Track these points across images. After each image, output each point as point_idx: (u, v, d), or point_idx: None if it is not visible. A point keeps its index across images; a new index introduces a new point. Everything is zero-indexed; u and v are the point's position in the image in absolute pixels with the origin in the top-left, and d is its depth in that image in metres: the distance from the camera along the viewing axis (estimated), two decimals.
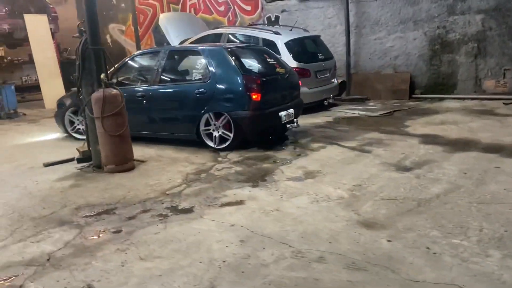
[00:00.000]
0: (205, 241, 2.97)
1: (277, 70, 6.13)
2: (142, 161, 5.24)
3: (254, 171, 4.61)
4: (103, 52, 5.02)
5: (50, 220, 3.57)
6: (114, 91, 4.82)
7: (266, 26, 9.71)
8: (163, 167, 4.99)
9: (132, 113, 5.51)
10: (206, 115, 5.61)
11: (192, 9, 12.79)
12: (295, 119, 5.95)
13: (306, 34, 8.81)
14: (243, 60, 5.84)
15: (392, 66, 9.25)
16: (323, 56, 8.58)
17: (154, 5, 13.91)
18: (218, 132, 5.61)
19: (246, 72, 5.62)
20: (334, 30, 10.02)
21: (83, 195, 4.15)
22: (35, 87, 12.74)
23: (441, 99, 8.41)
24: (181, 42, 10.09)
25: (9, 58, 14.46)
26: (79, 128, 6.68)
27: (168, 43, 10.25)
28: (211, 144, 5.65)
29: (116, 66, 6.60)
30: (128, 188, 4.27)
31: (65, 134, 6.91)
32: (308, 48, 8.61)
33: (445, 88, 8.67)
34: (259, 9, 11.55)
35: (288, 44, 8.01)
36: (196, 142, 5.75)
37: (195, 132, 5.71)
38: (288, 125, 5.96)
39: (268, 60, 6.32)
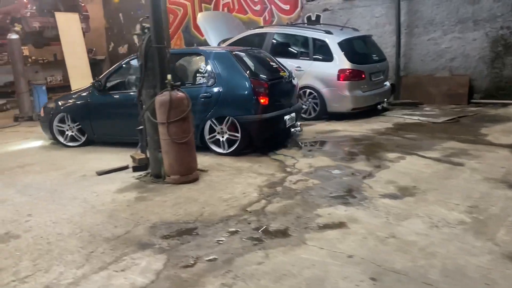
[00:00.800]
0: (327, 277, 2.49)
1: (281, 73, 6.02)
2: (204, 171, 4.80)
3: (335, 185, 4.12)
4: (168, 51, 4.59)
5: (127, 241, 3.13)
6: (180, 94, 4.38)
7: (315, 25, 9.18)
8: (229, 178, 4.53)
9: (130, 119, 5.51)
10: (210, 121, 5.48)
11: (226, 9, 12.35)
12: (298, 123, 5.95)
13: (358, 33, 8.29)
14: (249, 63, 5.76)
15: (447, 68, 8.68)
16: (377, 57, 8.07)
17: (184, 4, 13.52)
18: (223, 136, 5.47)
19: (253, 76, 5.52)
20: (382, 30, 9.48)
21: (154, 210, 3.71)
22: (60, 88, 12.43)
23: (505, 105, 7.82)
24: (220, 43, 9.67)
25: (33, 57, 14.22)
26: (69, 135, 6.49)
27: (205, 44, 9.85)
28: (219, 150, 5.50)
29: (110, 69, 6.41)
30: (202, 203, 3.82)
31: (51, 140, 6.70)
32: (361, 49, 8.10)
33: (508, 93, 8.07)
34: (298, 8, 11.06)
35: (341, 44, 7.51)
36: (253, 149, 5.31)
37: (198, 137, 5.47)
38: (292, 129, 5.95)
39: (271, 63, 6.24)
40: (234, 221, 3.39)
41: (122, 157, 5.59)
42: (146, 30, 4.56)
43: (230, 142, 5.46)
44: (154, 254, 2.91)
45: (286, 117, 5.74)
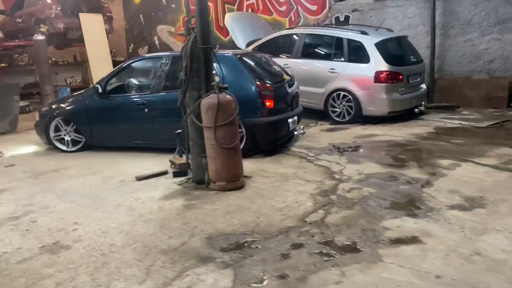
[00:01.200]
0: None
1: (283, 76, 5.99)
2: (248, 177, 4.59)
3: (393, 195, 3.88)
4: (214, 52, 4.41)
5: (185, 254, 2.94)
6: (228, 96, 4.19)
7: (347, 26, 8.93)
8: (277, 185, 4.32)
9: (131, 122, 5.82)
10: None
11: (250, 9, 12.17)
12: (301, 126, 5.95)
13: (394, 34, 8.04)
14: (253, 66, 5.76)
15: (486, 70, 8.37)
16: (414, 59, 7.80)
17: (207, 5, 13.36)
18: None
19: (258, 79, 5.50)
20: (415, 31, 9.19)
21: (206, 220, 3.51)
22: (80, 89, 12.36)
23: None
24: (248, 44, 9.49)
25: (53, 59, 14.20)
26: (69, 140, 6.36)
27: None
28: None
29: (110, 72, 6.30)
30: (255, 212, 3.61)
31: (47, 145, 6.59)
32: (398, 50, 7.85)
33: None
34: (326, 9, 10.83)
35: (378, 45, 7.27)
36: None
37: None
38: (296, 132, 5.96)
39: (274, 67, 6.23)
40: (295, 233, 3.17)
41: (157, 161, 5.46)
42: (191, 30, 4.38)
43: None
44: (218, 269, 2.71)
45: (290, 120, 5.76)
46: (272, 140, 5.62)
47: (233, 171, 4.25)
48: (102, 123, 6.12)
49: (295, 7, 11.42)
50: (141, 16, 15.44)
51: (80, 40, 12.18)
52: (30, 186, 4.82)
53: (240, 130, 5.15)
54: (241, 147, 5.13)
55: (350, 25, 9.16)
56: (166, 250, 3.00)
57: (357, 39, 7.47)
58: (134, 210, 3.82)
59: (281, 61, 8.11)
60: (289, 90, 5.96)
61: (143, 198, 4.16)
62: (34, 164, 5.83)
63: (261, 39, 9.15)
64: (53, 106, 6.60)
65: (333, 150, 5.66)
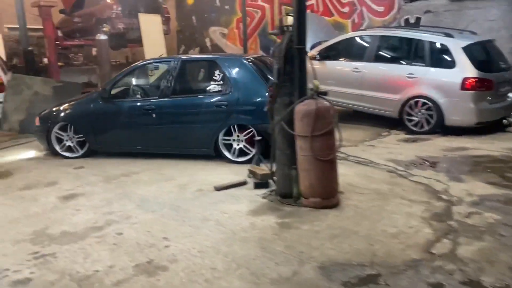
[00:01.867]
0: None
1: None
2: (340, 192, 4.13)
3: None
4: (306, 54, 4.00)
5: (301, 286, 2.52)
6: (326, 103, 3.76)
7: (421, 28, 8.31)
8: (377, 204, 3.85)
9: (138, 128, 5.70)
10: (225, 128, 5.36)
11: (309, 11, 11.69)
12: None
13: (480, 38, 7.35)
14: (264, 71, 5.55)
15: None
16: (504, 65, 7.09)
17: (263, 7, 13.06)
18: (239, 144, 5.35)
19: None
20: (496, 35, 8.40)
21: (311, 244, 3.09)
22: None
23: None
24: (312, 47, 9.03)
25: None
26: (67, 145, 6.10)
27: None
28: (228, 155, 5.41)
29: (116, 76, 6.00)
30: (366, 238, 3.16)
31: (46, 151, 6.33)
32: (486, 55, 7.15)
33: None
34: (395, 10, 10.23)
35: (466, 49, 6.62)
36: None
37: (213, 147, 5.45)
38: None
39: (262, 69, 5.84)
40: (427, 269, 2.69)
41: (228, 169, 5.18)
42: (286, 29, 3.98)
43: (243, 153, 5.36)
44: None
45: None
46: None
47: (329, 187, 3.81)
48: (107, 128, 5.90)
49: (359, 8, 10.89)
50: (193, 17, 15.34)
51: (136, 41, 12.17)
52: (105, 192, 4.59)
53: (251, 148, 5.23)
54: (251, 155, 5.25)
55: (426, 27, 8.51)
56: (277, 280, 2.61)
57: (442, 42, 6.86)
58: (224, 226, 3.46)
59: (350, 65, 7.67)
60: None
61: (229, 212, 3.79)
62: (102, 166, 5.63)
63: (325, 41, 8.71)
64: (57, 111, 6.25)
65: (424, 164, 5.11)
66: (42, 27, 11.13)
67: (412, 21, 9.82)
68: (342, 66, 7.98)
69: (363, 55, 7.69)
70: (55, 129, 6.05)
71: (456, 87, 6.54)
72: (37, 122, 6.33)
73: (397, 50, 7.62)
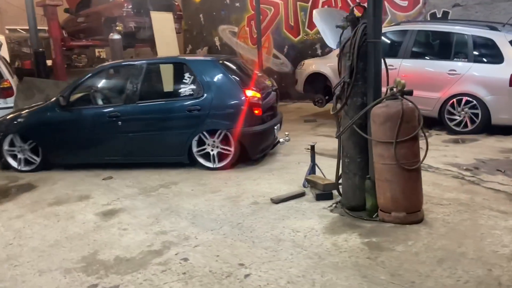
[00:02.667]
0: None
1: (267, 82, 5.80)
2: None
3: None
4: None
5: None
6: (410, 104, 3.31)
7: (455, 21, 7.88)
8: (466, 217, 3.42)
9: (102, 137, 5.35)
10: (199, 134, 5.13)
11: (326, 7, 11.27)
12: (286, 133, 5.42)
13: None
14: (237, 72, 5.44)
15: None
16: None
17: (277, 4, 12.57)
18: (214, 150, 5.15)
19: (245, 85, 5.20)
20: None
21: (419, 270, 2.64)
22: None
23: None
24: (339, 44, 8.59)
25: (109, 60, 13.79)
26: (22, 158, 5.64)
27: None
28: (208, 164, 5.18)
29: (75, 82, 5.61)
30: (478, 261, 2.72)
31: None
32: None
33: None
34: (420, 4, 9.78)
35: None
36: None
37: (187, 153, 5.19)
38: (281, 139, 5.54)
39: (256, 72, 5.91)
40: None
41: (280, 177, 4.75)
42: (357, 20, 3.54)
43: (220, 156, 5.17)
44: None
45: (275, 128, 5.54)
46: (261, 149, 5.34)
47: (415, 200, 3.37)
48: (66, 138, 5.48)
49: None
50: (201, 15, 14.84)
51: (146, 41, 11.70)
52: (148, 206, 4.13)
53: (229, 148, 5.06)
54: (229, 159, 5.11)
55: (461, 21, 8.09)
56: None
57: (487, 36, 6.45)
58: (304, 248, 3.01)
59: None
60: (273, 97, 5.76)
61: (302, 229, 3.35)
62: (135, 177, 5.17)
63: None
64: (8, 119, 5.79)
65: (489, 167, 4.69)
66: (45, 27, 10.67)
67: (439, 15, 9.40)
68: None
69: (397, 52, 7.28)
70: (5, 145, 5.61)
71: (505, 83, 6.14)
72: None
73: (436, 46, 7.21)
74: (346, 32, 3.71)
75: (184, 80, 5.40)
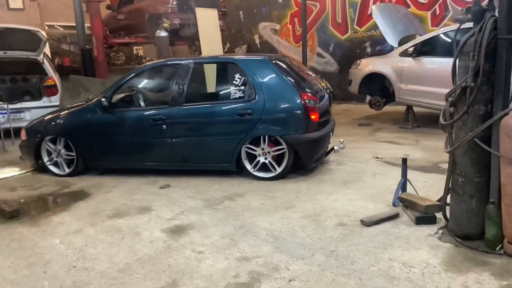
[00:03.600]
0: None
1: (322, 84, 5.36)
2: None
3: None
4: None
5: None
6: None
7: None
8: None
9: (144, 141, 4.98)
10: (249, 140, 4.70)
11: (378, 3, 10.58)
12: (341, 140, 5.17)
13: None
14: (291, 73, 4.95)
15: None
16: None
17: (323, 0, 11.95)
18: (267, 158, 4.73)
19: (300, 88, 4.74)
20: None
21: None
22: None
23: None
24: (401, 42, 7.96)
25: (148, 58, 13.54)
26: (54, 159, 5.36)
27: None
28: (249, 167, 4.77)
29: (117, 81, 5.21)
30: None
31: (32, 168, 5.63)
32: None
33: None
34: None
35: None
36: None
37: (235, 161, 4.76)
38: (336, 147, 5.14)
39: (309, 73, 5.41)
40: None
41: (357, 190, 4.21)
42: (485, 13, 2.95)
43: (265, 168, 4.76)
44: None
45: (330, 134, 5.16)
46: (317, 158, 4.91)
47: None
48: (108, 142, 5.13)
49: None
50: (241, 12, 14.42)
51: (189, 38, 11.35)
52: (218, 223, 3.66)
53: (281, 147, 4.64)
54: (283, 167, 4.67)
55: None
56: None
57: None
58: None
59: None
60: (327, 100, 5.31)
61: (414, 264, 2.80)
62: (193, 185, 4.73)
63: (416, 35, 7.63)
64: (43, 123, 5.46)
65: None
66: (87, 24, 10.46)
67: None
68: (447, 63, 6.88)
69: None
70: (46, 141, 5.31)
71: None
72: (23, 135, 5.53)
73: None
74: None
75: (234, 82, 4.97)
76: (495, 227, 2.93)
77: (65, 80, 8.17)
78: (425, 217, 3.41)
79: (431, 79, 6.94)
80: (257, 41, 14.26)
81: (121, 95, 5.38)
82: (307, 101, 4.61)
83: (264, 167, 4.77)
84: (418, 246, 3.05)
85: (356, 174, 4.87)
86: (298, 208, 3.92)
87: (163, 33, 8.59)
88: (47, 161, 5.37)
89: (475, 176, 3.06)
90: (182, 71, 4.98)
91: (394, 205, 3.80)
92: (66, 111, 5.51)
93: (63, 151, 5.28)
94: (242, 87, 4.86)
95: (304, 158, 4.73)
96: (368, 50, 11.11)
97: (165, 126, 4.85)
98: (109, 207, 4.21)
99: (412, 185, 3.86)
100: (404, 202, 3.66)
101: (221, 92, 5.31)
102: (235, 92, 4.91)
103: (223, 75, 5.45)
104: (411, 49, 7.38)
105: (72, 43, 13.49)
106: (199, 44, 11.60)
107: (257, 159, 4.76)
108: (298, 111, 4.60)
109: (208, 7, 10.89)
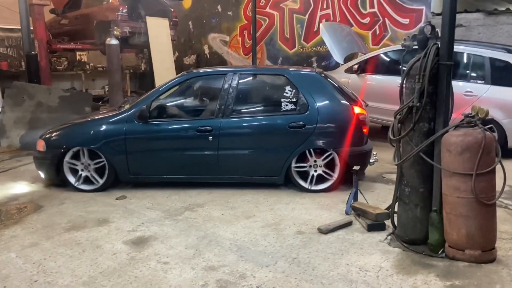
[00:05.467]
0: None
1: (358, 97, 5.31)
2: None
3: None
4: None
5: None
6: (488, 133, 3.11)
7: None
8: None
9: (188, 153, 4.84)
10: (300, 153, 4.71)
11: (324, 20, 11.16)
12: (375, 153, 4.86)
13: None
14: (338, 87, 5.05)
15: None
16: None
17: (272, 15, 12.39)
18: (317, 170, 4.76)
19: (352, 101, 4.88)
20: None
21: None
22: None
23: None
24: (346, 59, 8.47)
25: (91, 64, 13.21)
26: (83, 175, 4.95)
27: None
28: (304, 184, 4.77)
29: (155, 90, 5.07)
30: None
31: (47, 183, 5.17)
32: None
33: None
34: (422, 24, 9.82)
35: None
36: None
37: (284, 173, 4.76)
38: (371, 160, 4.92)
39: (343, 87, 5.28)
40: None
41: (311, 199, 4.48)
42: (428, 41, 3.31)
43: (321, 180, 4.79)
44: None
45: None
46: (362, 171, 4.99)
47: (491, 236, 3.13)
48: (147, 154, 4.88)
49: (381, 20, 10.43)
50: (190, 23, 14.48)
51: (139, 46, 11.22)
52: (180, 234, 3.72)
53: (331, 172, 4.73)
54: (332, 182, 4.74)
55: (461, 41, 8.10)
56: None
57: (504, 59, 6.43)
58: None
59: (397, 81, 7.12)
60: None
61: (369, 268, 3.05)
62: (151, 196, 4.73)
63: (359, 53, 8.16)
64: (67, 133, 5.10)
65: None
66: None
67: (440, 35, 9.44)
68: (386, 81, 7.44)
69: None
70: (67, 157, 4.89)
71: None
72: (40, 146, 5.00)
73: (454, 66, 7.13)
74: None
75: (285, 94, 4.85)
76: (437, 232, 3.27)
77: (3, 85, 7.74)
78: (375, 224, 3.70)
79: (372, 94, 7.42)
80: (207, 52, 14.36)
81: (161, 104, 5.11)
82: (359, 114, 4.73)
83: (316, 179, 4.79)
84: (371, 251, 3.31)
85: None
86: (258, 218, 4.07)
87: (114, 41, 8.45)
88: (75, 182, 4.93)
89: (420, 186, 3.39)
90: (230, 81, 4.88)
91: (347, 213, 4.07)
92: (91, 121, 5.19)
93: (91, 163, 4.90)
94: (293, 99, 4.79)
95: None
96: (315, 65, 11.60)
97: (211, 137, 4.71)
98: (64, 219, 4.11)
99: (362, 194, 4.15)
100: (356, 210, 3.94)
101: (270, 104, 5.17)
102: (286, 105, 4.82)
103: (273, 87, 5.33)
104: (356, 66, 7.87)
105: (10, 47, 12.77)
106: (148, 52, 11.52)
107: (310, 172, 4.76)
108: (351, 125, 4.67)
109: (159, 16, 10.86)
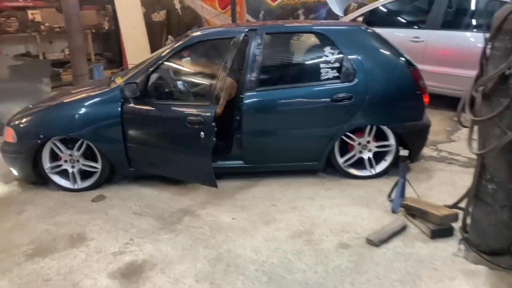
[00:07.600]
0: None
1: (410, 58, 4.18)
2: None
3: None
4: None
5: None
6: None
7: None
8: None
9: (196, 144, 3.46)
10: (345, 134, 3.77)
11: None
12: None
13: None
14: (391, 46, 3.92)
15: None
16: None
17: None
18: (371, 151, 3.86)
19: (410, 65, 3.83)
20: None
21: None
22: None
23: None
24: (346, 11, 7.41)
25: (47, 24, 11.59)
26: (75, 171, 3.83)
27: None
28: (356, 172, 3.89)
29: (152, 61, 3.77)
30: None
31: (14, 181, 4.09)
32: None
33: None
34: None
35: None
36: None
37: (325, 157, 3.82)
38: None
39: (393, 45, 4.04)
40: None
41: (344, 193, 3.57)
42: None
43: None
44: None
45: None
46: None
47: None
48: (147, 141, 3.73)
49: None
50: None
51: (95, 3, 9.74)
52: (184, 256, 2.78)
53: (386, 143, 3.81)
54: (386, 165, 3.88)
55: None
56: None
57: None
58: None
59: (408, 34, 6.17)
60: None
61: None
62: (134, 193, 3.74)
63: (360, 4, 7.11)
64: (43, 117, 3.87)
65: None
66: None
67: None
68: (396, 34, 6.45)
69: (425, 21, 6.23)
70: (45, 156, 3.78)
71: None
72: (9, 137, 3.84)
73: (473, 14, 6.17)
74: None
75: (324, 57, 3.79)
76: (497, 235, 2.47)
77: None
78: (441, 229, 2.86)
79: None
80: (178, 6, 12.85)
81: (155, 80, 3.87)
82: (419, 81, 3.76)
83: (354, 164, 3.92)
84: (449, 273, 2.49)
85: (328, 169, 4.15)
86: (281, 223, 3.17)
87: None
88: (49, 168, 3.81)
89: (510, 182, 2.53)
90: (252, 44, 3.76)
91: (393, 211, 3.21)
92: (67, 100, 3.94)
93: (81, 159, 3.80)
94: (335, 65, 3.73)
95: (413, 150, 3.79)
96: (302, 18, 10.44)
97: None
98: (26, 238, 3.07)
99: (412, 186, 3.30)
100: (411, 210, 3.07)
101: (307, 72, 4.03)
102: (327, 71, 3.75)
103: (309, 49, 4.15)
104: (361, 18, 6.82)
105: None
106: (112, 9, 10.05)
107: (352, 153, 3.86)
108: (413, 94, 3.75)
109: None
